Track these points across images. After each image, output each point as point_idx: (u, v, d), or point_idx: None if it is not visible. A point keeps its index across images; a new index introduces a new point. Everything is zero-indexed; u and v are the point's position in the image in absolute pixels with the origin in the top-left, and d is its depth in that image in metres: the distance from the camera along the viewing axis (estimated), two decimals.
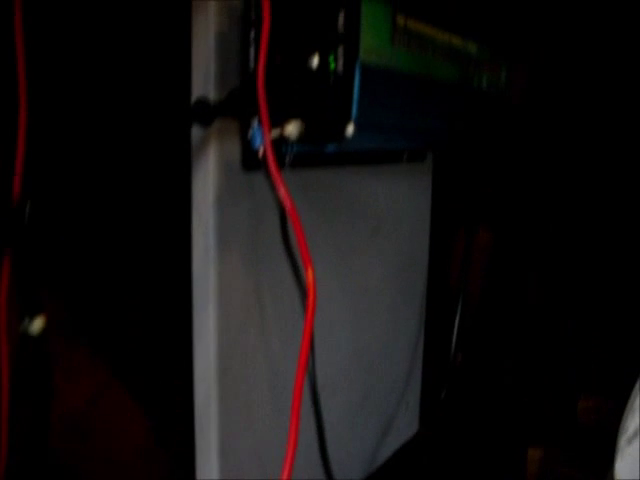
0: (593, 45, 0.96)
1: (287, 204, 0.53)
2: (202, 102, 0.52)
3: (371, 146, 0.60)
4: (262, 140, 0.53)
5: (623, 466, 0.49)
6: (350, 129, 0.51)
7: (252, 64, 0.55)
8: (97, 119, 0.51)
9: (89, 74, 0.50)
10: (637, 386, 0.53)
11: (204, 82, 0.54)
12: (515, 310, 1.05)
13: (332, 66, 0.51)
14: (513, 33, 0.81)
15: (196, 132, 0.55)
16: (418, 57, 0.59)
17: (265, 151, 0.53)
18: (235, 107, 0.53)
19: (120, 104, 0.51)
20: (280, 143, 0.55)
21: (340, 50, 0.51)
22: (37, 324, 0.47)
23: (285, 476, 0.45)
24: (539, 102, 0.96)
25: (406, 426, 0.97)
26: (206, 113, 0.52)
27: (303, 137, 0.53)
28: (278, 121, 0.53)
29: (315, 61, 0.52)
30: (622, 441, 0.50)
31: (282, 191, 0.53)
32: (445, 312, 1.00)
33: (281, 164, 0.56)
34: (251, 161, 0.57)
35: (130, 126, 0.52)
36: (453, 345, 0.96)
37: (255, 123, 0.55)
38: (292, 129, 0.52)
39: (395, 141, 0.64)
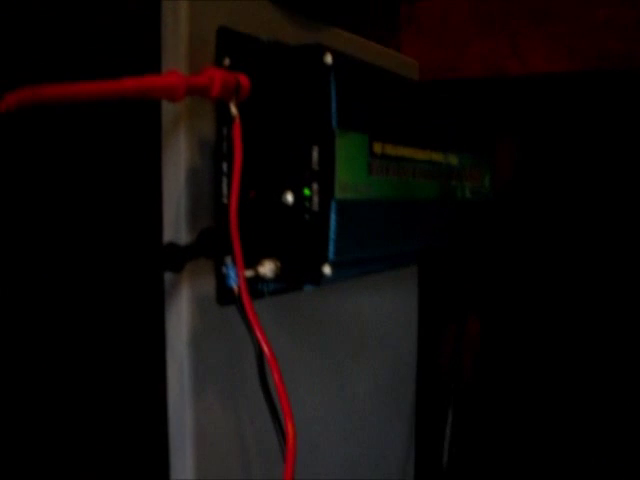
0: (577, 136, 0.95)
1: (265, 349, 0.50)
2: (171, 247, 0.50)
3: (352, 277, 0.58)
4: (236, 279, 0.51)
5: None
6: (327, 270, 0.49)
7: (225, 199, 0.54)
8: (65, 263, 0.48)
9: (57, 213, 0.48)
10: None
11: (175, 222, 0.52)
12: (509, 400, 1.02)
13: (306, 204, 0.49)
14: (493, 140, 0.80)
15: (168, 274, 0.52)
16: (397, 182, 0.57)
17: (239, 290, 0.51)
18: (207, 248, 0.51)
19: (87, 249, 0.49)
20: (255, 281, 0.52)
21: (315, 187, 0.49)
22: None
23: None
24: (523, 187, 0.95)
25: None
26: (176, 259, 0.49)
27: (279, 276, 0.51)
28: (253, 259, 0.51)
29: (289, 198, 0.50)
30: None
31: (258, 335, 0.50)
32: (436, 415, 0.96)
33: (258, 297, 0.54)
34: (226, 297, 0.54)
35: (99, 270, 0.50)
36: (446, 452, 0.92)
37: (229, 261, 0.53)
38: (266, 269, 0.50)
39: (376, 267, 0.62)
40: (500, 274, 1.03)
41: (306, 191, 0.49)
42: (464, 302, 1.01)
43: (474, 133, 0.77)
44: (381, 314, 0.82)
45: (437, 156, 0.65)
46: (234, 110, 0.50)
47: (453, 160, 0.69)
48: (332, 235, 0.49)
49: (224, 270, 0.54)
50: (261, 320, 0.56)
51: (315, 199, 0.49)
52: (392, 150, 0.56)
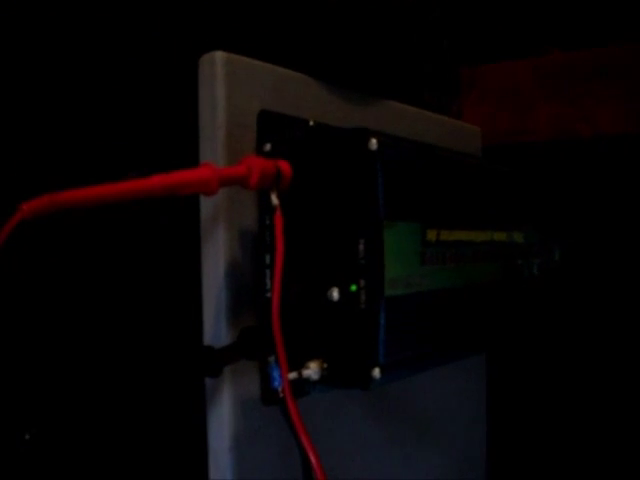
0: None
1: (311, 457, 0.46)
2: (209, 352, 0.46)
3: (404, 377, 0.53)
4: (280, 381, 0.46)
5: None
6: (376, 374, 0.44)
7: (268, 294, 0.50)
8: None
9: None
10: None
11: (216, 320, 0.49)
12: None
13: (353, 301, 0.45)
14: (563, 216, 0.75)
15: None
16: (454, 269, 0.53)
17: (284, 393, 0.46)
18: (248, 349, 0.47)
19: (127, 354, 0.46)
20: (301, 383, 0.48)
21: (362, 283, 0.45)
22: None
23: None
24: None
25: None
26: (214, 364, 0.45)
27: (325, 378, 0.47)
28: (299, 359, 0.47)
29: (335, 294, 0.46)
30: None
31: (304, 442, 0.46)
32: None
33: (305, 396, 0.49)
34: (271, 398, 0.50)
35: (139, 373, 0.46)
36: None
37: (272, 361, 0.49)
38: (311, 372, 0.46)
39: (434, 363, 0.56)
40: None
41: (353, 287, 0.45)
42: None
43: (542, 205, 0.71)
44: (447, 399, 0.76)
45: (500, 236, 0.60)
46: (275, 200, 0.47)
47: (518, 237, 0.64)
48: (382, 336, 0.45)
49: (268, 370, 0.50)
50: (312, 414, 0.52)
51: (362, 296, 0.45)
52: (448, 236, 0.52)
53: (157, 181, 0.42)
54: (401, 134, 0.55)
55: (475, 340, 0.58)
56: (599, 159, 0.87)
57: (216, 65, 0.50)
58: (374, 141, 0.45)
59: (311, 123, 0.52)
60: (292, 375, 0.46)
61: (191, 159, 0.49)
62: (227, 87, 0.50)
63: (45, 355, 0.43)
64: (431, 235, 0.50)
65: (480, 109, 0.91)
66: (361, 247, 0.45)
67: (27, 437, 0.38)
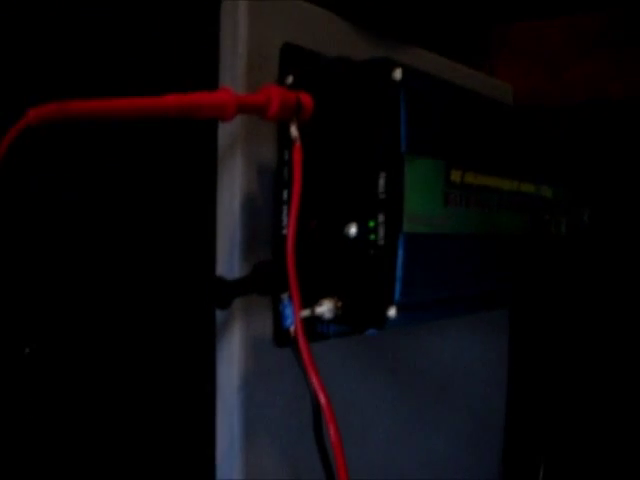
0: None
1: (321, 399, 0.44)
2: (218, 283, 0.45)
3: (421, 322, 0.51)
4: (293, 319, 0.45)
5: None
6: (392, 313, 0.43)
7: (285, 230, 0.48)
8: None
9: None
10: None
11: (229, 254, 0.48)
12: None
13: (371, 237, 0.43)
14: (595, 174, 0.72)
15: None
16: (479, 214, 0.51)
17: (296, 332, 0.45)
18: (260, 284, 0.46)
19: (136, 279, 0.45)
20: (314, 322, 0.47)
21: (380, 218, 0.43)
22: None
23: None
24: None
25: None
26: (223, 295, 0.44)
27: (339, 317, 0.45)
28: (313, 298, 0.46)
29: (353, 229, 0.44)
30: None
31: (315, 383, 0.45)
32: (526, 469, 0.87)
33: (320, 339, 0.48)
34: (283, 338, 0.49)
35: (148, 300, 0.45)
36: None
37: (285, 298, 0.48)
38: (325, 309, 0.45)
39: (453, 311, 0.55)
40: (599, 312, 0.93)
41: (371, 223, 0.44)
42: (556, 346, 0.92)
43: (572, 164, 0.69)
44: (468, 355, 0.74)
45: (527, 187, 0.58)
46: (294, 132, 0.45)
47: (547, 192, 0.62)
48: (399, 273, 0.43)
49: (281, 308, 0.48)
50: (325, 362, 0.51)
51: (381, 232, 0.43)
52: (473, 179, 0.50)
53: (172, 100, 0.40)
54: None
55: (497, 292, 0.56)
56: (632, 121, 0.84)
57: None
58: (398, 71, 0.43)
59: (336, 56, 0.50)
60: (305, 312, 0.45)
61: (211, 87, 0.47)
62: (250, 17, 0.49)
63: (47, 273, 0.41)
64: (455, 176, 0.48)
65: (512, 68, 0.88)
66: (381, 181, 0.44)
67: (27, 351, 0.37)
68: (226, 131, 0.48)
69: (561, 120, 0.77)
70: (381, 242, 0.43)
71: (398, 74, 0.43)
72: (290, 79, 0.49)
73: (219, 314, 0.48)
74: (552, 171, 0.64)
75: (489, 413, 0.82)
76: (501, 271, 0.55)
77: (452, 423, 0.74)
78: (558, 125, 0.68)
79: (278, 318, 0.49)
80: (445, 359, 0.72)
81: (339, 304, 0.45)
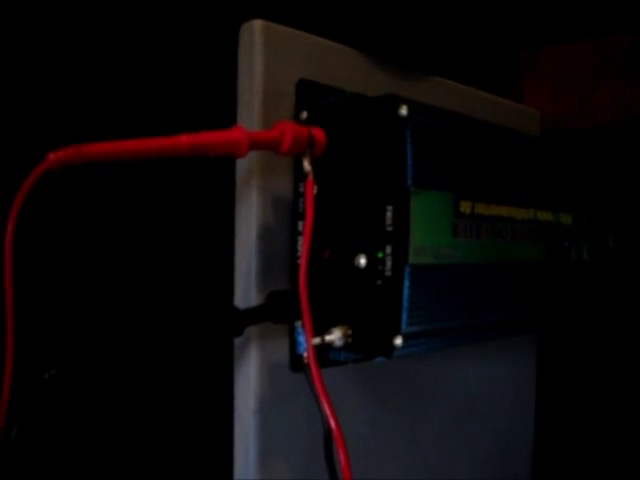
0: None
1: (331, 424, 0.46)
2: (233, 312, 0.47)
3: (430, 350, 0.53)
4: (305, 346, 0.47)
5: None
6: (398, 342, 0.44)
7: (299, 260, 0.50)
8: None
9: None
10: None
11: (246, 283, 0.50)
12: None
13: (379, 268, 0.45)
14: (621, 197, 0.72)
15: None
16: (489, 244, 0.52)
17: (308, 357, 0.47)
18: (274, 312, 0.48)
19: (157, 311, 0.47)
20: (326, 349, 0.48)
21: (388, 250, 0.44)
22: None
23: None
24: None
25: None
26: (236, 323, 0.46)
27: (350, 345, 0.47)
28: (324, 325, 0.47)
29: (362, 260, 0.46)
30: None
31: (326, 408, 0.46)
32: None
33: (332, 365, 0.50)
34: (299, 364, 0.51)
35: (169, 332, 0.48)
36: None
37: (299, 326, 0.49)
38: (335, 337, 0.46)
39: (462, 341, 0.56)
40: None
41: (379, 254, 0.45)
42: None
43: (595, 188, 0.69)
44: (492, 380, 0.75)
45: (544, 215, 0.59)
46: (307, 166, 0.47)
47: (566, 219, 0.62)
48: (405, 303, 0.44)
49: (295, 336, 0.50)
50: (345, 385, 0.52)
51: (388, 263, 0.45)
52: (484, 210, 0.51)
53: (186, 139, 0.42)
54: None
55: (512, 320, 0.57)
56: None
57: (255, 33, 0.50)
58: (404, 107, 0.45)
59: (350, 92, 0.52)
60: (316, 340, 0.46)
61: (229, 123, 0.49)
62: (265, 55, 0.50)
63: (70, 301, 0.44)
64: (465, 207, 0.49)
65: (540, 93, 0.89)
66: (388, 214, 0.45)
67: (46, 376, 0.39)
68: (243, 165, 0.50)
69: (588, 143, 0.77)
70: (388, 273, 0.45)
71: (404, 110, 0.45)
72: (304, 114, 0.51)
73: (237, 341, 0.50)
74: (571, 198, 0.64)
75: (516, 438, 0.82)
76: (516, 299, 0.56)
77: (477, 448, 0.74)
78: (584, 149, 0.68)
79: (293, 345, 0.51)
80: (470, 384, 0.72)
81: (349, 332, 0.47)
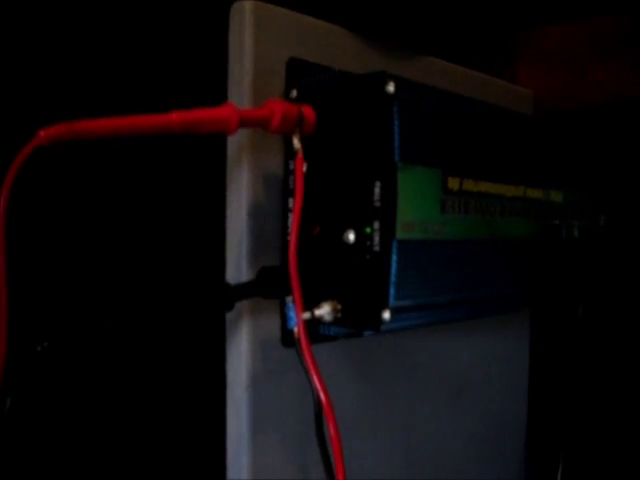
0: None
1: (321, 397, 0.47)
2: (223, 287, 0.48)
3: (419, 325, 0.53)
4: (295, 320, 0.48)
5: None
6: (386, 316, 0.45)
7: (289, 236, 0.51)
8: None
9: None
10: None
11: (237, 259, 0.50)
12: None
13: (368, 243, 0.45)
14: (614, 177, 0.73)
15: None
16: (479, 221, 0.52)
17: (299, 332, 0.48)
18: (264, 287, 0.49)
19: (148, 286, 0.48)
20: (316, 323, 0.49)
21: (376, 225, 0.45)
22: None
23: None
24: None
25: None
26: (226, 298, 0.47)
27: (339, 319, 0.47)
28: (314, 300, 0.48)
29: (351, 236, 0.47)
30: None
31: (316, 381, 0.47)
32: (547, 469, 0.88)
33: (323, 341, 0.50)
34: (290, 339, 0.51)
35: (161, 305, 0.48)
36: None
37: (290, 301, 0.50)
38: (325, 312, 0.47)
39: (451, 316, 0.56)
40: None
41: (367, 229, 0.46)
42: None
43: (587, 167, 0.70)
44: (486, 358, 0.75)
45: (534, 193, 0.59)
46: (297, 143, 0.48)
47: (556, 197, 0.63)
48: (393, 278, 0.45)
49: (285, 311, 0.51)
50: (334, 362, 0.53)
51: (376, 238, 0.45)
52: (473, 186, 0.52)
53: (176, 117, 0.43)
54: None
55: (502, 296, 0.58)
56: None
57: (245, 12, 0.51)
58: (391, 84, 0.45)
59: (337, 69, 0.53)
60: (306, 315, 0.47)
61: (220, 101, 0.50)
62: (255, 34, 0.51)
63: (62, 276, 0.45)
64: (453, 183, 0.50)
65: (534, 73, 0.89)
66: (376, 190, 0.46)
67: (38, 349, 0.40)
68: (234, 142, 0.51)
69: (580, 122, 0.78)
70: (376, 248, 0.46)
71: (391, 87, 0.45)
72: (294, 93, 0.51)
73: (229, 317, 0.51)
74: (562, 176, 0.65)
75: (509, 415, 0.83)
76: (505, 275, 0.57)
77: (469, 425, 0.75)
78: (575, 128, 0.69)
79: (284, 320, 0.52)
80: (463, 361, 0.73)
81: (338, 307, 0.47)
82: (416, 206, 0.47)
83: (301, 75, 0.53)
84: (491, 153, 0.54)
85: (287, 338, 0.52)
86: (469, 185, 0.51)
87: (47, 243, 0.45)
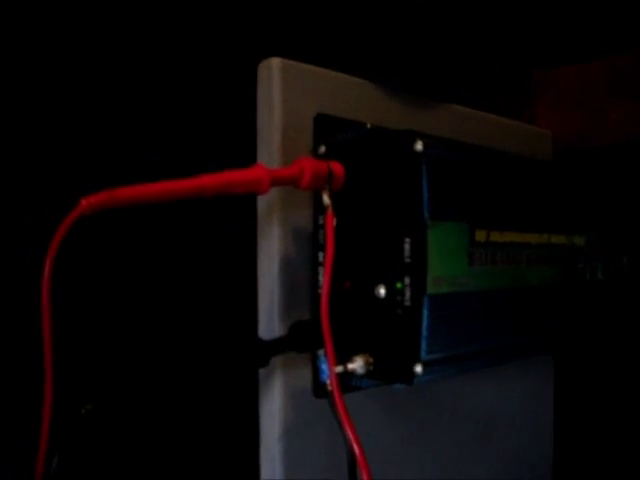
0: None
1: (355, 449, 0.47)
2: (258, 343, 0.49)
3: (449, 375, 0.54)
4: (328, 374, 0.48)
5: None
6: (419, 369, 0.46)
7: (320, 290, 0.52)
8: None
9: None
10: None
11: (269, 315, 0.51)
12: None
13: (398, 298, 0.46)
14: (632, 219, 0.73)
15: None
16: (506, 270, 0.53)
17: (331, 385, 0.48)
18: (297, 342, 0.50)
19: (184, 343, 0.49)
20: (348, 377, 0.50)
21: (406, 281, 0.46)
22: None
23: None
24: None
25: None
26: (262, 354, 0.48)
27: (372, 372, 0.48)
28: (346, 353, 0.49)
29: (382, 291, 0.48)
30: None
31: (349, 433, 0.48)
32: None
33: (354, 391, 0.51)
34: (321, 391, 0.52)
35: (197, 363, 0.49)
36: None
37: (322, 354, 0.51)
38: (357, 365, 0.48)
39: (481, 364, 0.57)
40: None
41: (398, 285, 0.47)
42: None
43: (607, 208, 0.70)
44: (511, 402, 0.75)
45: (558, 239, 0.60)
46: (326, 200, 0.49)
47: (579, 241, 0.64)
48: (424, 332, 0.46)
49: (318, 364, 0.52)
50: (365, 410, 0.54)
51: (407, 293, 0.46)
52: (499, 237, 0.53)
53: (208, 180, 0.44)
54: (465, 139, 0.56)
55: (528, 342, 0.58)
56: None
57: (273, 70, 0.52)
58: (420, 142, 0.46)
59: (368, 126, 0.54)
60: (339, 368, 0.48)
61: (250, 162, 0.51)
62: (283, 92, 0.52)
63: (105, 339, 0.46)
64: (480, 236, 0.51)
65: (553, 113, 0.90)
66: (406, 246, 0.47)
67: (83, 412, 0.41)
68: (264, 199, 0.52)
69: (599, 162, 0.79)
70: (407, 303, 0.46)
71: (419, 146, 0.46)
72: (323, 149, 0.52)
73: (262, 371, 0.52)
74: (584, 218, 0.65)
75: (535, 457, 0.83)
76: (531, 322, 0.57)
77: (496, 468, 0.75)
78: (595, 168, 0.70)
79: (316, 373, 0.52)
80: (488, 403, 0.73)
81: (370, 360, 0.48)
82: (445, 261, 0.48)
83: (328, 130, 0.54)
84: (515, 203, 0.55)
85: (319, 390, 0.53)
86: (495, 237, 0.52)
87: (89, 308, 0.46)
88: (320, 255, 0.52)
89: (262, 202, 0.52)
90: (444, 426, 0.67)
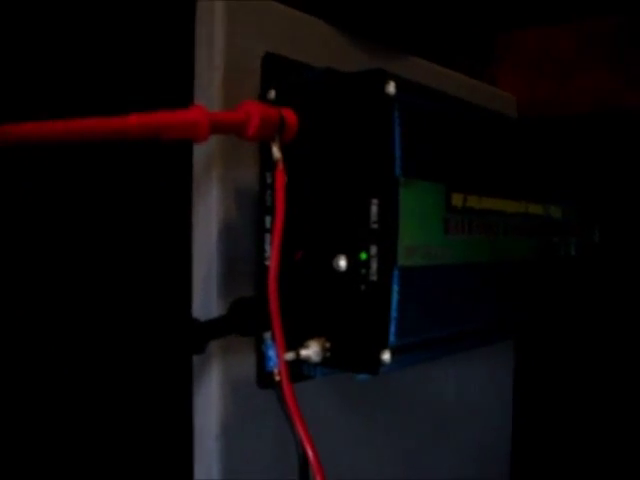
0: None
1: (308, 450, 0.40)
2: (192, 325, 0.40)
3: (420, 362, 0.46)
4: (276, 361, 0.40)
5: None
6: (386, 357, 0.38)
7: (267, 261, 0.44)
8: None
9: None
10: None
11: (206, 291, 0.43)
12: None
13: (363, 271, 0.38)
14: (604, 189, 0.67)
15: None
16: (482, 241, 0.46)
17: (280, 376, 0.40)
18: (240, 323, 0.41)
19: (106, 320, 0.40)
20: (300, 364, 0.42)
21: (373, 251, 0.38)
22: None
23: None
24: None
25: None
26: (197, 339, 0.39)
27: (328, 360, 0.40)
28: (298, 337, 0.41)
29: (342, 262, 0.39)
30: None
31: (302, 434, 0.40)
32: None
33: (305, 380, 0.43)
34: (267, 380, 0.44)
35: (119, 343, 0.40)
36: None
37: (268, 338, 0.43)
38: (311, 352, 0.40)
39: (453, 349, 0.50)
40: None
41: (362, 255, 0.39)
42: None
43: (581, 178, 0.64)
44: (470, 388, 0.69)
45: (535, 208, 0.53)
46: (277, 153, 0.41)
47: (556, 212, 0.57)
48: (394, 312, 0.38)
49: (263, 349, 0.43)
50: (315, 398, 0.49)
51: (373, 265, 0.38)
52: (476, 203, 0.45)
53: (135, 120, 0.35)
54: None
55: (504, 324, 0.51)
56: None
57: (215, 2, 0.43)
58: (392, 84, 0.38)
59: (323, 67, 0.46)
60: (289, 355, 0.40)
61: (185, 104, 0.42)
62: (227, 26, 0.44)
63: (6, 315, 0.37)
64: (457, 200, 0.43)
65: (516, 78, 0.83)
66: (373, 208, 0.39)
67: None
68: (201, 152, 0.43)
69: (567, 132, 0.72)
70: (374, 277, 0.38)
71: (391, 88, 0.38)
72: (272, 94, 0.44)
73: (196, 358, 0.43)
74: (561, 189, 0.59)
75: (494, 442, 0.78)
76: (508, 301, 0.50)
77: (456, 459, 0.69)
78: (563, 137, 0.63)
79: (261, 360, 0.44)
80: (447, 389, 0.67)
81: (327, 345, 0.40)
82: (418, 227, 0.40)
83: (279, 73, 0.46)
84: (494, 164, 0.48)
85: (265, 380, 0.45)
86: (473, 202, 0.45)
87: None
88: (267, 220, 0.44)
89: (199, 155, 0.44)
90: (403, 416, 0.60)
